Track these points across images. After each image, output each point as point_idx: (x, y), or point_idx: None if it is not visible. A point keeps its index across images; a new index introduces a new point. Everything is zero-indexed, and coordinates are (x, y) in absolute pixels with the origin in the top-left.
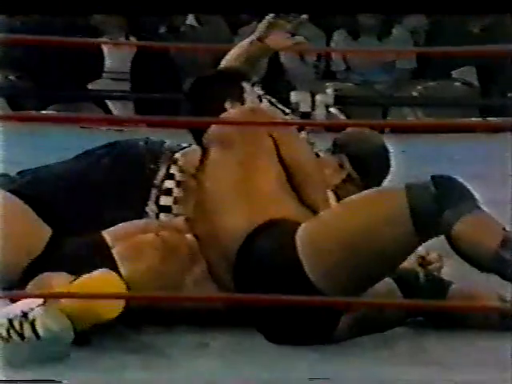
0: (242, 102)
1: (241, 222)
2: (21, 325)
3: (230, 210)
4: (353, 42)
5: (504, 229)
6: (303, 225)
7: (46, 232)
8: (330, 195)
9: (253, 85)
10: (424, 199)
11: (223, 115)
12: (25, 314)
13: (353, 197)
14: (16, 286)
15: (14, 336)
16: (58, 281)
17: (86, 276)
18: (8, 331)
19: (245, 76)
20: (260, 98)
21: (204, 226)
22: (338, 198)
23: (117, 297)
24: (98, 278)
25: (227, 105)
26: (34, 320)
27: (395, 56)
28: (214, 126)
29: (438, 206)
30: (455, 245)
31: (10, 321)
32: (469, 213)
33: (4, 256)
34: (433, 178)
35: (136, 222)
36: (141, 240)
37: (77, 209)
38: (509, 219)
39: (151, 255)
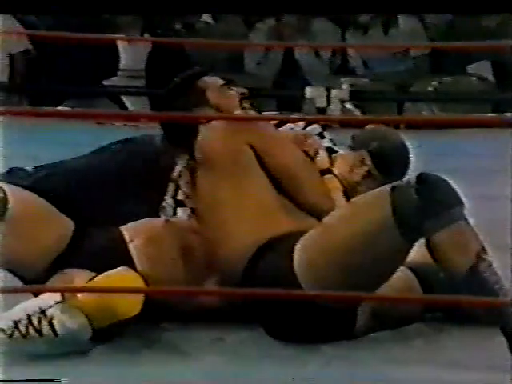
0: (207, 104)
1: (242, 245)
2: (39, 321)
3: (229, 233)
4: (362, 36)
5: (482, 246)
6: (298, 244)
7: (70, 225)
8: (337, 187)
9: (228, 83)
10: (407, 203)
11: (205, 128)
12: (43, 311)
13: (342, 206)
14: (41, 280)
15: (32, 332)
16: (80, 278)
17: (104, 274)
18: (26, 327)
19: (200, 74)
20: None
21: (206, 248)
22: (349, 196)
23: (130, 291)
24: (116, 276)
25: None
26: (52, 317)
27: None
28: (198, 145)
29: (419, 211)
30: (432, 253)
31: (29, 317)
32: (448, 225)
33: (30, 251)
34: (419, 178)
35: (155, 219)
36: (162, 243)
37: (94, 204)
38: None
39: (172, 261)
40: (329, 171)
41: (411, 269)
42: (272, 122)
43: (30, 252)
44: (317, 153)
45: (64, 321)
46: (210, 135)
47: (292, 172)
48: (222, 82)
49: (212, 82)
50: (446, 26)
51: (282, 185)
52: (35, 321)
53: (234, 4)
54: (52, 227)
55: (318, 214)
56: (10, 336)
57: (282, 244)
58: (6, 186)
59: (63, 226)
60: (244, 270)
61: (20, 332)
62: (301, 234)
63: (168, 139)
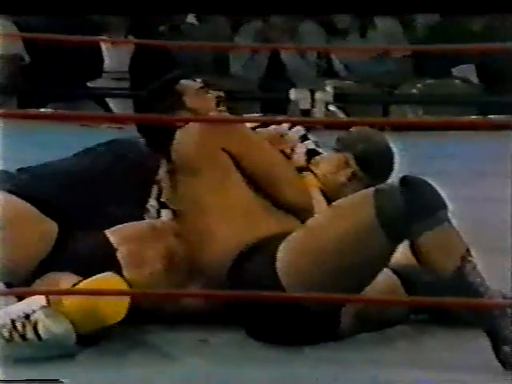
0: (184, 108)
1: (224, 249)
2: (23, 326)
3: (210, 237)
4: (343, 40)
5: (467, 249)
6: (281, 247)
7: (54, 228)
8: (314, 183)
9: (206, 86)
10: (391, 206)
11: (181, 132)
12: (27, 316)
13: (325, 209)
14: (25, 283)
15: (16, 337)
16: (65, 281)
17: (89, 279)
18: (10, 332)
19: (178, 78)
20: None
21: (188, 252)
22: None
23: (114, 294)
24: (102, 281)
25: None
26: (36, 322)
27: (386, 45)
28: (174, 150)
29: (403, 214)
30: (416, 256)
31: (13, 321)
32: (432, 228)
33: (14, 255)
34: (403, 180)
35: (140, 223)
36: (146, 247)
37: (78, 206)
38: (507, 215)
39: (156, 264)
40: (306, 169)
41: (394, 270)
42: (256, 124)
43: (13, 257)
44: (294, 150)
45: (48, 326)
46: (185, 140)
47: (268, 171)
48: (199, 85)
49: (189, 85)
50: (429, 28)
51: (259, 186)
52: (19, 326)
53: (219, 5)
54: (35, 230)
55: (297, 212)
56: None
57: (265, 247)
58: None
59: (47, 229)
60: (227, 274)
61: (3, 337)
62: (283, 235)
63: (146, 142)
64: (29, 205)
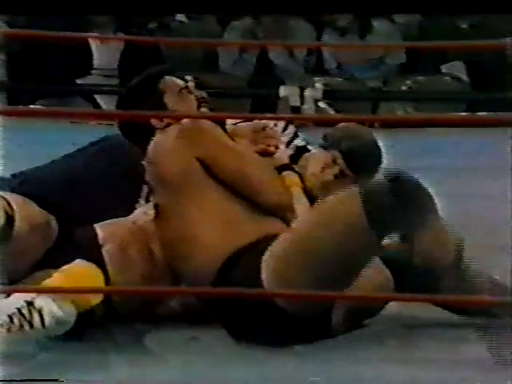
0: (165, 108)
1: (206, 261)
2: (30, 313)
3: (192, 246)
4: (340, 38)
5: (459, 241)
6: (265, 256)
7: (53, 224)
8: (296, 182)
9: (185, 87)
10: (379, 202)
11: (156, 140)
12: (30, 303)
13: (309, 211)
14: (24, 278)
15: (25, 325)
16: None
17: (64, 267)
18: (20, 321)
19: (160, 74)
20: (198, 100)
21: (172, 259)
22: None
23: (95, 291)
24: (76, 269)
25: (153, 121)
26: (41, 308)
27: (383, 51)
28: (149, 157)
29: (392, 212)
30: (411, 253)
31: (19, 310)
32: (425, 224)
33: (18, 250)
34: (389, 177)
35: (127, 221)
36: (131, 248)
37: (72, 209)
38: (495, 211)
39: (139, 267)
40: (288, 167)
41: (381, 258)
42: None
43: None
44: (277, 147)
45: (53, 310)
46: (159, 152)
47: (243, 175)
48: (181, 85)
49: (171, 84)
50: (418, 27)
51: (237, 191)
52: (26, 313)
53: (209, 4)
54: (36, 227)
55: (278, 212)
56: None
57: (248, 256)
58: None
59: (48, 225)
60: (212, 284)
61: (15, 326)
62: (267, 241)
63: (128, 140)
64: (28, 200)
